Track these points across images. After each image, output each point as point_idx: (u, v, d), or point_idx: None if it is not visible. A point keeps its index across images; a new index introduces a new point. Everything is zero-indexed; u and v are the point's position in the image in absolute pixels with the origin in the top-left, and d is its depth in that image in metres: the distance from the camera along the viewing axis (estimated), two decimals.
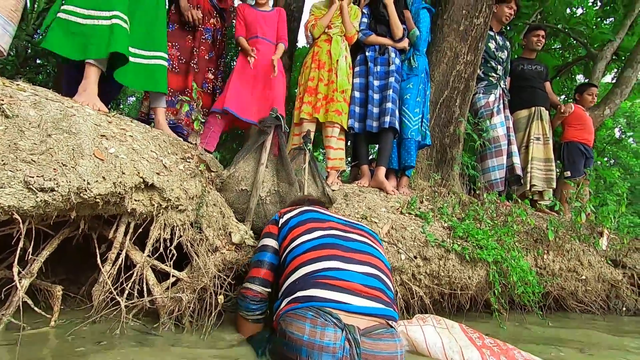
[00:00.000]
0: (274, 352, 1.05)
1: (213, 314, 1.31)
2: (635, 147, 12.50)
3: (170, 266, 1.30)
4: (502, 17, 3.49)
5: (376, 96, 2.87)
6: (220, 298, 1.51)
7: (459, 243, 1.97)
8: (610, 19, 5.83)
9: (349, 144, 3.35)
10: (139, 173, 1.19)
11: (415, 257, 1.86)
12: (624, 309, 2.91)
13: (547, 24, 5.55)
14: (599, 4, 5.84)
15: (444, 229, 2.11)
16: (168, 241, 1.35)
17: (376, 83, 2.90)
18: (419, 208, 2.27)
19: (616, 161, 12.24)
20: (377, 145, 3.10)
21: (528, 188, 3.65)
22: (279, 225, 1.36)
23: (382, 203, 2.27)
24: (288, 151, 1.97)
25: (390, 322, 1.07)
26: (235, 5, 2.99)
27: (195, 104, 1.98)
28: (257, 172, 1.75)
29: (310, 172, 1.99)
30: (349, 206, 2.11)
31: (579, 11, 6.46)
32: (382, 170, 2.72)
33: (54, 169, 1.04)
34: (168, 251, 1.28)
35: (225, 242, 1.45)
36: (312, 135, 2.11)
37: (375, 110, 2.83)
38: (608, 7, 5.71)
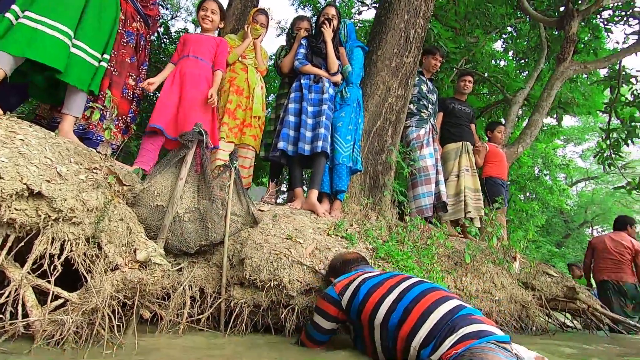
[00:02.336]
0: None
1: (105, 338, 1.18)
2: (549, 184, 14.09)
3: (51, 284, 1.16)
4: (429, 67, 3.90)
5: (310, 121, 2.96)
6: (145, 312, 1.39)
7: (379, 264, 2.03)
8: (525, 72, 6.75)
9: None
10: (22, 179, 1.07)
11: None
12: (534, 328, 3.15)
13: (474, 71, 6.24)
14: (517, 58, 6.74)
15: (367, 250, 2.16)
16: (57, 257, 1.22)
17: (310, 109, 3.00)
18: (346, 230, 2.31)
19: (535, 196, 13.67)
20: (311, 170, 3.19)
21: (463, 215, 3.92)
22: (342, 307, 1.45)
23: (310, 224, 2.28)
24: (212, 168, 1.92)
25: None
26: (162, 13, 3.04)
27: (108, 112, 1.88)
28: (175, 188, 1.68)
29: (235, 190, 1.95)
30: (275, 226, 2.09)
31: (502, 63, 7.40)
32: (314, 193, 2.76)
33: None
34: (53, 268, 1.15)
35: (129, 259, 1.34)
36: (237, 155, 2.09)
37: (309, 134, 2.91)
38: (523, 62, 6.61)
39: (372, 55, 3.51)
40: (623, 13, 5.95)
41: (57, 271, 1.15)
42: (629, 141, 6.04)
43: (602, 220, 22.26)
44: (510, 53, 7.33)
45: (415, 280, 1.41)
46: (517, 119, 6.26)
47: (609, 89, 6.11)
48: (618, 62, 5.52)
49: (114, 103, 1.81)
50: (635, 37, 5.66)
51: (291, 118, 2.99)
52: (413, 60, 3.50)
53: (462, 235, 3.86)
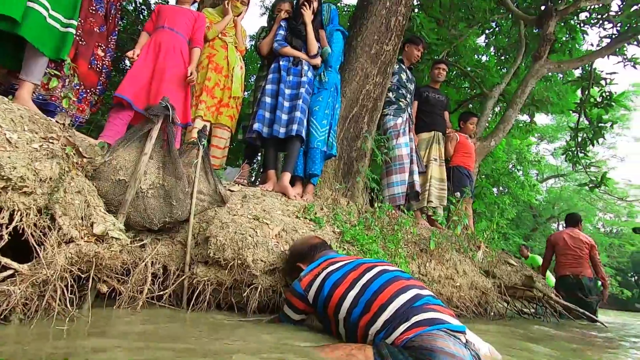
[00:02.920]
0: None
1: (56, 311, 1.16)
2: (521, 180, 14.60)
3: None
4: (411, 57, 3.92)
5: (286, 104, 2.93)
6: (102, 287, 1.37)
7: (345, 247, 2.07)
8: (505, 69, 6.89)
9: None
10: None
11: None
12: (492, 313, 3.32)
13: (456, 64, 6.31)
14: (498, 54, 6.87)
15: (334, 234, 2.19)
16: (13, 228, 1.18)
17: (287, 91, 2.96)
18: (315, 213, 2.33)
19: (507, 190, 14.16)
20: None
21: (425, 204, 4.03)
22: (309, 301, 1.48)
23: (280, 206, 2.29)
24: (180, 145, 1.89)
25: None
26: None
27: (68, 80, 1.80)
28: (138, 163, 1.64)
29: (202, 168, 1.92)
30: (243, 207, 2.08)
31: (484, 58, 7.52)
32: (286, 176, 2.76)
33: None
34: (2, 239, 1.11)
35: (86, 232, 1.31)
36: (207, 132, 2.06)
37: (284, 117, 2.89)
38: (503, 58, 6.75)
39: (352, 41, 3.49)
40: (599, 16, 6.14)
41: (3, 241, 1.11)
42: (595, 141, 6.33)
43: None
44: (492, 48, 7.46)
45: (378, 270, 1.42)
46: (492, 114, 6.42)
47: (580, 90, 6.34)
48: (590, 63, 5.71)
49: (73, 71, 1.73)
50: (609, 40, 5.86)
51: (267, 99, 2.95)
52: (393, 48, 3.50)
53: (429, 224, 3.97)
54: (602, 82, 6.04)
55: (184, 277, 1.76)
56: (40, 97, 2.04)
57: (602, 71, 6.04)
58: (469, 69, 6.77)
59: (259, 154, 3.70)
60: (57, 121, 1.48)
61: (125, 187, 1.63)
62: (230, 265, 1.71)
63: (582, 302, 4.12)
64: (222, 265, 1.73)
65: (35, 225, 1.18)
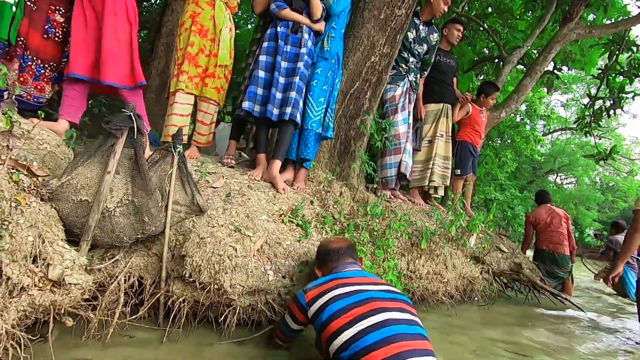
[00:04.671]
0: None
1: None
2: (527, 133, 14.23)
3: None
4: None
5: (282, 80, 2.62)
6: (67, 321, 1.30)
7: None
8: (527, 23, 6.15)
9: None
10: None
11: (284, 277, 1.82)
12: (476, 299, 3.38)
13: (469, 16, 5.65)
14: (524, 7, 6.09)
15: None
16: None
17: (284, 65, 2.63)
18: (303, 216, 2.20)
19: (511, 142, 13.88)
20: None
21: (427, 183, 3.87)
22: (308, 317, 1.47)
23: (266, 207, 2.15)
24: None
25: None
26: None
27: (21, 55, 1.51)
28: (101, 183, 1.46)
29: (179, 177, 1.75)
30: (225, 213, 1.94)
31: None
32: (276, 164, 2.57)
33: None
34: None
35: (40, 277, 1.19)
36: (183, 135, 1.84)
37: (279, 95, 2.60)
38: (529, 14, 5.99)
39: (360, 2, 3.02)
40: None
41: None
42: (612, 111, 5.95)
43: (567, 169, 23.40)
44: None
45: (384, 317, 1.34)
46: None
47: (608, 54, 5.78)
48: (624, 30, 5.11)
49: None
50: None
51: (261, 74, 2.63)
52: (405, 12, 3.04)
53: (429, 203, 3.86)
54: (634, 48, 5.48)
55: (159, 294, 1.69)
56: None
57: (637, 36, 5.44)
58: (485, 25, 6.06)
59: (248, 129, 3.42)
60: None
61: (89, 207, 1.47)
62: (207, 289, 1.63)
63: (554, 274, 4.35)
64: (199, 287, 1.65)
65: None
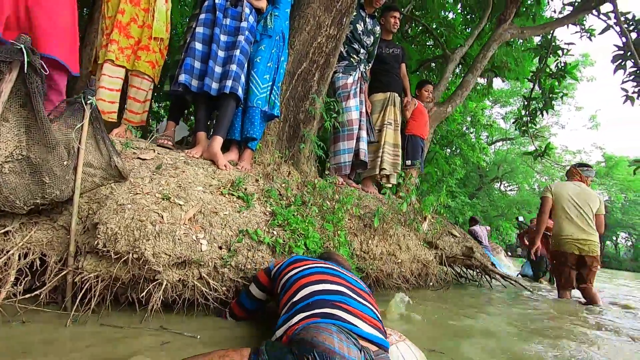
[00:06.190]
0: None
1: None
2: (473, 142, 15.14)
3: None
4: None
5: (221, 53, 2.46)
6: None
7: (275, 232, 1.81)
8: (469, 30, 6.60)
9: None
10: None
11: (221, 248, 1.62)
12: (431, 283, 3.34)
13: (416, 18, 5.90)
14: (464, 12, 6.53)
15: (264, 215, 1.91)
16: None
17: (223, 38, 2.48)
18: (245, 189, 2.02)
19: (459, 151, 14.66)
20: None
21: (378, 172, 3.84)
22: (272, 276, 1.45)
23: (203, 180, 1.94)
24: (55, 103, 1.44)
25: (386, 352, 1.10)
26: None
27: None
28: None
29: (92, 134, 1.50)
30: (153, 182, 1.71)
31: (452, 15, 7.14)
32: (217, 140, 2.38)
33: None
34: None
35: None
36: (96, 85, 1.61)
37: (218, 69, 2.43)
38: (470, 17, 6.44)
39: None
40: None
41: None
42: (545, 111, 6.44)
43: (509, 177, 25.34)
44: (459, 6, 7.09)
45: (346, 291, 1.23)
46: (452, 77, 6.23)
47: (538, 58, 6.28)
48: (551, 31, 5.59)
49: None
50: (571, 8, 5.73)
51: (198, 46, 2.46)
52: None
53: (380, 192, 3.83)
54: (560, 52, 6.01)
55: (66, 271, 1.42)
56: None
57: (560, 41, 5.98)
58: (434, 26, 6.41)
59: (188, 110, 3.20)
60: None
61: None
62: (125, 259, 1.38)
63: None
64: (115, 259, 1.40)
65: None
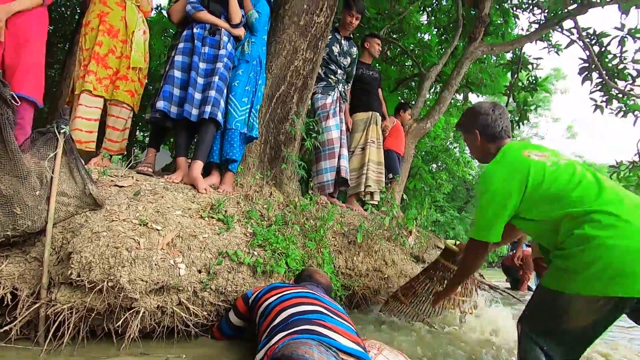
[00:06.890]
0: None
1: None
2: (457, 157, 15.47)
3: None
4: (345, 24, 3.60)
5: (200, 80, 2.51)
6: None
7: (256, 252, 1.80)
8: (444, 49, 6.90)
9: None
10: None
11: (200, 271, 1.60)
12: None
13: (393, 40, 6.14)
14: (438, 33, 6.84)
15: (245, 236, 1.91)
16: None
17: (202, 65, 2.54)
18: (225, 211, 2.02)
19: (445, 166, 14.94)
20: None
21: (363, 189, 3.87)
22: (250, 304, 1.46)
23: (182, 204, 1.94)
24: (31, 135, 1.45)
25: None
26: None
27: None
28: None
29: (66, 163, 1.50)
30: (130, 208, 1.70)
31: (427, 37, 7.46)
32: (197, 165, 2.39)
33: None
34: None
35: None
36: (73, 115, 1.62)
37: (197, 96, 2.48)
38: (444, 37, 6.74)
39: (280, 9, 3.09)
40: (530, 1, 6.30)
41: None
42: (521, 123, 6.66)
43: None
44: (434, 27, 7.42)
45: (323, 310, 1.24)
46: (429, 95, 6.44)
47: (510, 73, 6.56)
48: (520, 47, 5.87)
49: None
50: (537, 25, 6.06)
51: (177, 74, 2.51)
52: (325, 20, 3.16)
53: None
54: (530, 66, 6.29)
55: (38, 304, 1.38)
56: None
57: (530, 56, 6.28)
58: (411, 47, 6.67)
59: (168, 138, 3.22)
60: None
61: None
62: (99, 288, 1.36)
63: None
64: (89, 288, 1.37)
65: None
